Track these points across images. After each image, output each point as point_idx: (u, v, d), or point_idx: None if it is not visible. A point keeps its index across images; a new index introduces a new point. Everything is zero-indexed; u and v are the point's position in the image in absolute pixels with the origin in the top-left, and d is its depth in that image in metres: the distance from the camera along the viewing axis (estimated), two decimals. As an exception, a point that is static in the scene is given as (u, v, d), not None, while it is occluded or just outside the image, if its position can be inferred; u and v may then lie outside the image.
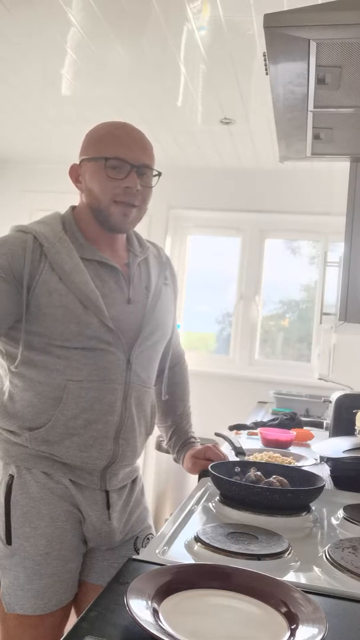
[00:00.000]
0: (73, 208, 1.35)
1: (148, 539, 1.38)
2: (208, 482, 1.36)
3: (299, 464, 1.65)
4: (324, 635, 0.65)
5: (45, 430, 1.22)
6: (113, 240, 1.33)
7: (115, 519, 1.30)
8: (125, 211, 1.27)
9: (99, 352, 1.23)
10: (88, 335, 1.21)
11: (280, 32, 1.08)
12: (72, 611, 1.31)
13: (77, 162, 1.31)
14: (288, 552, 0.97)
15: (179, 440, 1.56)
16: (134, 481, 1.40)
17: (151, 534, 1.41)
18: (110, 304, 1.26)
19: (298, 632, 0.67)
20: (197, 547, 0.97)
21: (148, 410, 1.38)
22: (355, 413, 1.81)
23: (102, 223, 1.29)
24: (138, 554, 1.23)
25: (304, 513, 1.19)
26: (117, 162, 1.24)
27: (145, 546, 1.30)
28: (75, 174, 1.32)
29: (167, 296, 1.41)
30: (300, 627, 0.68)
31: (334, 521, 1.20)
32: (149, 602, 0.71)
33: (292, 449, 1.96)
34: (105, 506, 1.29)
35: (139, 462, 1.45)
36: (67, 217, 1.32)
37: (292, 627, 0.69)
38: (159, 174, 1.32)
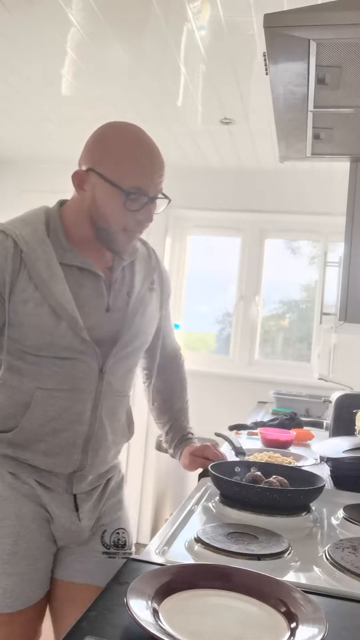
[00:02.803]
0: (61, 204, 1.28)
1: (118, 532, 1.33)
2: (208, 482, 1.36)
3: (299, 464, 1.65)
4: (324, 635, 0.65)
5: (12, 435, 1.20)
6: (100, 248, 1.27)
7: (86, 519, 1.28)
8: (132, 239, 1.25)
9: (71, 361, 1.20)
10: (61, 346, 1.18)
11: (280, 32, 1.08)
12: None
13: (83, 168, 1.21)
14: (288, 552, 0.97)
15: (177, 435, 1.52)
16: (109, 479, 1.37)
17: (121, 528, 1.34)
18: (88, 313, 1.21)
19: (298, 632, 0.67)
20: (197, 547, 0.97)
21: (123, 418, 1.34)
22: (355, 413, 1.81)
23: (101, 240, 1.24)
24: (106, 548, 1.29)
25: (304, 513, 1.19)
26: (136, 195, 1.18)
27: (114, 541, 1.31)
28: (80, 181, 1.22)
29: (151, 302, 1.35)
30: (300, 627, 0.68)
31: (334, 521, 1.20)
32: (149, 602, 0.71)
33: (292, 449, 1.96)
34: (74, 508, 1.26)
35: (123, 459, 1.42)
36: (53, 215, 1.25)
37: (292, 627, 0.69)
38: (169, 201, 1.25)
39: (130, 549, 1.34)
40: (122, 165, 1.18)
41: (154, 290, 1.37)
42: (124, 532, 1.34)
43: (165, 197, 1.25)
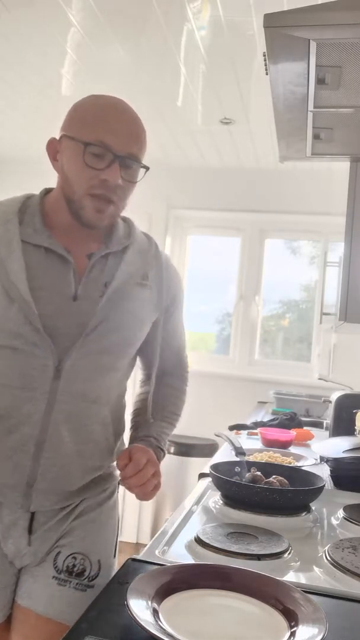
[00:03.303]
0: (47, 191, 1.23)
1: (74, 557, 1.13)
2: (208, 482, 1.36)
3: (299, 464, 1.65)
4: (324, 635, 0.65)
5: None
6: (86, 231, 1.16)
7: (38, 543, 1.12)
8: (100, 206, 1.11)
9: (22, 354, 1.07)
10: (11, 332, 1.06)
11: (280, 32, 1.08)
12: None
13: (58, 137, 1.16)
14: (288, 552, 0.97)
15: (142, 431, 1.27)
16: (87, 499, 1.18)
17: (80, 553, 1.14)
18: (47, 299, 1.09)
19: (298, 632, 0.67)
20: (197, 547, 0.97)
21: (97, 429, 1.15)
22: (355, 413, 1.81)
23: (73, 215, 1.13)
24: (57, 572, 1.10)
25: (304, 513, 1.19)
26: (99, 149, 1.08)
27: (68, 567, 1.12)
28: (54, 150, 1.15)
29: (139, 299, 1.19)
30: (300, 627, 0.68)
31: (334, 521, 1.20)
32: (149, 602, 0.71)
33: (292, 449, 1.96)
34: (27, 529, 1.12)
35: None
36: (34, 199, 1.19)
37: (292, 627, 0.68)
38: (147, 169, 1.15)
39: (91, 581, 1.12)
40: (86, 120, 1.10)
41: (146, 287, 1.20)
42: (83, 560, 1.13)
43: (141, 164, 1.13)
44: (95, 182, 1.09)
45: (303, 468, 1.46)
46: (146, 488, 1.12)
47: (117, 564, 1.19)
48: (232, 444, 1.62)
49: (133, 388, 1.36)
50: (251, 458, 1.63)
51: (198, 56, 2.40)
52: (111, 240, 1.19)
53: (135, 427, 1.30)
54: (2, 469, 1.10)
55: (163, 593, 0.74)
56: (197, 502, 1.26)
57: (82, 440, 1.14)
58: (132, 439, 1.27)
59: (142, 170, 1.15)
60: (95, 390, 1.14)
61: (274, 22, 1.08)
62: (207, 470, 1.35)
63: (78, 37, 2.34)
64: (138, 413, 1.31)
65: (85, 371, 1.11)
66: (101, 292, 1.13)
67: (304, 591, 0.76)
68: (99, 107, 1.12)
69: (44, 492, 1.11)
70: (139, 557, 0.91)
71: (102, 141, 1.08)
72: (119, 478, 1.14)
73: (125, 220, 1.27)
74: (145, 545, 0.98)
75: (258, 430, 2.12)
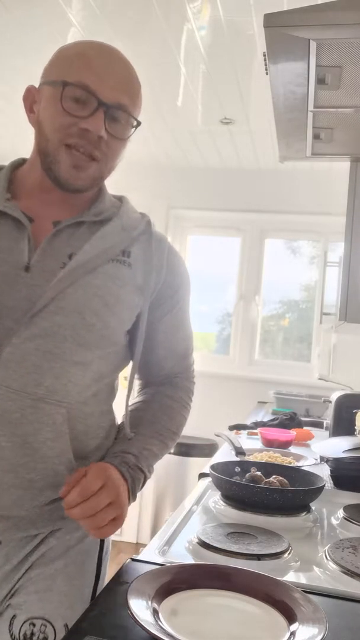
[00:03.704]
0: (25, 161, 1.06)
1: (33, 624, 0.89)
2: (208, 482, 1.36)
3: (299, 464, 1.65)
4: (324, 635, 0.65)
5: None
6: (62, 196, 0.98)
7: None
8: (78, 162, 0.93)
9: None
10: None
11: (280, 32, 1.08)
12: None
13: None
14: (288, 552, 0.97)
15: (119, 446, 1.02)
16: (46, 539, 0.96)
17: (42, 618, 0.90)
18: None
19: (298, 632, 0.67)
20: (197, 547, 0.97)
21: (47, 440, 0.91)
22: (355, 413, 1.81)
23: (46, 171, 0.96)
24: None
25: (304, 513, 1.19)
26: (82, 92, 0.91)
27: (25, 636, 0.89)
28: (31, 100, 0.99)
29: (116, 277, 0.97)
30: (300, 627, 0.68)
31: (334, 521, 1.20)
32: (149, 602, 0.71)
33: (292, 449, 1.96)
34: None
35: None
36: (6, 166, 1.04)
37: (292, 627, 0.68)
38: (138, 124, 0.99)
39: None
40: (68, 60, 0.95)
41: (124, 264, 0.99)
42: (44, 626, 0.90)
43: (130, 116, 0.96)
44: (73, 130, 0.92)
45: (303, 468, 1.46)
46: (96, 522, 0.84)
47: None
48: (232, 444, 1.62)
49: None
50: (251, 458, 1.63)
51: (198, 56, 2.40)
52: (90, 210, 1.00)
53: (115, 443, 1.04)
54: None
55: (163, 593, 0.74)
56: (197, 502, 1.26)
57: (26, 452, 0.90)
58: (107, 455, 1.00)
59: (132, 127, 0.98)
60: (42, 386, 0.90)
61: (274, 22, 1.08)
62: (207, 470, 1.35)
63: (78, 37, 2.34)
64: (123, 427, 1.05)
65: (30, 359, 0.89)
66: (62, 264, 0.93)
67: (304, 591, 0.76)
68: (84, 47, 0.96)
69: None
70: (139, 557, 0.91)
71: (84, 83, 0.91)
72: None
73: (121, 198, 1.09)
74: (145, 545, 0.98)
75: (258, 430, 2.12)
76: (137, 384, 1.16)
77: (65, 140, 0.92)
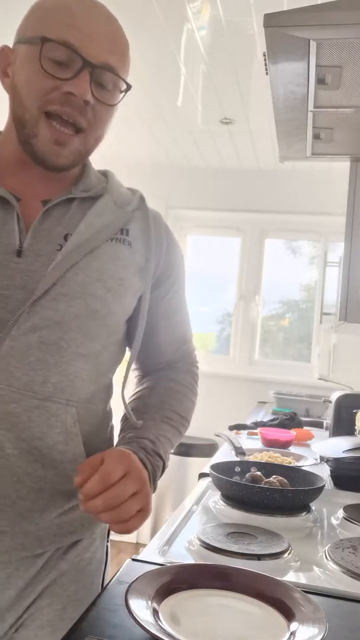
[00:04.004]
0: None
1: None
2: (208, 482, 1.36)
3: (299, 464, 1.65)
4: (324, 635, 0.65)
5: None
6: (45, 172, 0.87)
7: None
8: (60, 137, 0.82)
9: None
10: None
11: (280, 32, 1.08)
12: None
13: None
14: (288, 552, 0.97)
15: (130, 432, 0.91)
16: (52, 559, 0.87)
17: None
18: None
19: (298, 632, 0.67)
20: (197, 547, 0.97)
21: (57, 443, 0.83)
22: (355, 413, 1.81)
23: (24, 146, 0.85)
24: None
25: (304, 513, 1.19)
26: (64, 50, 0.79)
27: None
28: (4, 62, 0.86)
29: (116, 257, 0.89)
30: (300, 627, 0.68)
31: (334, 521, 1.20)
32: (149, 602, 0.70)
33: (292, 449, 1.96)
34: None
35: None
36: None
37: (292, 627, 0.68)
38: (128, 88, 0.87)
39: None
40: (47, 14, 0.82)
41: (124, 244, 0.90)
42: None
43: (119, 78, 0.85)
44: (55, 95, 0.80)
45: (303, 468, 1.46)
46: (121, 514, 0.74)
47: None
48: (232, 444, 1.62)
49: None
50: (251, 458, 1.63)
51: (198, 56, 2.40)
52: (78, 187, 0.91)
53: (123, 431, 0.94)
54: None
55: (163, 593, 0.73)
56: (197, 502, 1.25)
57: (35, 458, 0.82)
58: (118, 443, 0.91)
59: (121, 93, 0.86)
60: (48, 382, 0.81)
61: (274, 22, 1.08)
62: (207, 470, 1.35)
63: (78, 37, 2.35)
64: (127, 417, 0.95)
65: (34, 353, 0.80)
66: (58, 247, 0.84)
67: (304, 591, 0.76)
68: (67, 1, 0.83)
69: None
70: (139, 557, 0.91)
71: (67, 40, 0.79)
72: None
73: (105, 172, 0.99)
74: (145, 545, 0.98)
75: (258, 430, 2.11)
76: (133, 375, 1.06)
77: (46, 107, 0.80)
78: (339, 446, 1.62)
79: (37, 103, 0.80)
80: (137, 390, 1.02)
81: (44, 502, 0.84)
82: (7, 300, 0.80)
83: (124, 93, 0.87)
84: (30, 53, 0.81)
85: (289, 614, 0.71)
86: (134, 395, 1.00)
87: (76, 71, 0.80)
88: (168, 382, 1.01)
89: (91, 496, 0.72)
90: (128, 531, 0.76)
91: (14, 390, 0.79)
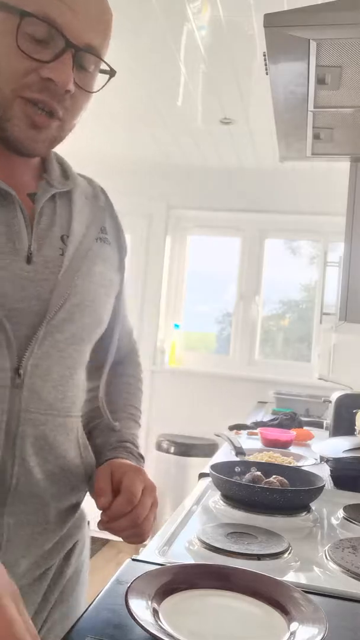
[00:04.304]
0: None
1: None
2: (208, 482, 1.36)
3: (299, 464, 1.65)
4: (324, 635, 0.65)
5: None
6: (12, 160, 0.79)
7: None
8: (37, 120, 0.73)
9: None
10: None
11: (280, 32, 1.08)
12: None
13: None
14: (288, 552, 0.97)
15: (111, 436, 0.93)
16: (68, 558, 0.87)
17: None
18: None
19: (298, 632, 0.67)
20: (197, 547, 0.97)
21: (70, 456, 0.82)
22: (355, 413, 1.81)
23: None
24: None
25: (304, 513, 1.19)
26: (45, 28, 0.70)
27: None
28: None
29: (104, 259, 0.85)
30: (300, 627, 0.68)
31: (334, 521, 1.20)
32: (149, 602, 0.70)
33: (292, 449, 1.96)
34: None
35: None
36: None
37: (292, 627, 0.68)
38: (112, 73, 0.80)
39: None
40: None
41: (106, 242, 0.87)
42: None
43: (102, 60, 0.79)
44: (31, 79, 0.71)
45: (303, 468, 1.46)
46: (142, 530, 0.78)
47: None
48: (232, 444, 1.62)
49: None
50: (251, 458, 1.63)
51: (198, 56, 2.40)
52: (51, 176, 0.83)
53: (94, 434, 0.94)
54: None
55: (163, 593, 0.73)
56: (197, 502, 1.25)
57: (59, 478, 0.80)
58: (99, 448, 0.90)
59: (102, 77, 0.78)
60: (67, 397, 0.80)
61: (274, 22, 1.08)
62: (207, 470, 1.35)
63: (78, 37, 2.35)
64: (93, 417, 0.95)
65: (55, 371, 0.77)
66: (60, 251, 0.78)
67: (304, 591, 0.76)
68: None
69: (14, 564, 0.75)
70: (139, 557, 0.91)
71: (49, 15, 0.70)
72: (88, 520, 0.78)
73: (60, 159, 0.91)
74: (145, 545, 0.98)
75: (258, 430, 2.11)
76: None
77: (21, 92, 0.71)
78: (339, 446, 1.62)
79: (11, 85, 0.71)
80: (95, 385, 0.96)
81: (62, 519, 0.84)
82: (24, 314, 0.73)
83: (107, 79, 0.79)
84: (6, 25, 0.70)
85: (289, 614, 0.71)
86: (89, 393, 0.96)
87: (57, 53, 0.71)
88: (127, 378, 1.02)
89: (118, 517, 0.75)
90: (144, 540, 0.79)
91: (42, 414, 0.76)
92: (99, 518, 0.79)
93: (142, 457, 0.92)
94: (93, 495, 0.81)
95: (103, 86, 0.79)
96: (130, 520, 0.76)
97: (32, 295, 0.74)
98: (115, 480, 0.79)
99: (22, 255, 0.74)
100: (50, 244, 0.78)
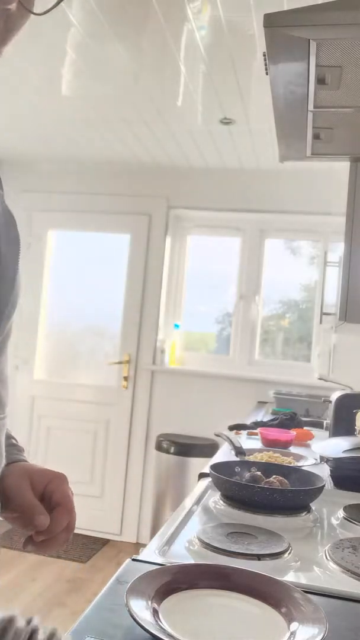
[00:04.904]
0: None
1: None
2: (208, 482, 1.36)
3: (299, 464, 1.65)
4: (324, 635, 0.65)
5: None
6: None
7: None
8: None
9: None
10: None
11: (280, 32, 1.08)
12: None
13: None
14: (288, 552, 0.97)
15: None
16: None
17: None
18: None
19: (298, 632, 0.67)
20: (197, 547, 0.97)
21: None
22: (355, 413, 1.81)
23: None
24: None
25: (304, 513, 1.19)
26: None
27: None
28: None
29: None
30: (300, 627, 0.68)
31: (334, 521, 1.20)
32: (149, 602, 0.70)
33: (292, 449, 1.96)
34: None
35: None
36: None
37: (292, 627, 0.68)
38: None
39: None
40: None
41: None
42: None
43: None
44: None
45: (303, 468, 1.46)
46: (67, 536, 0.75)
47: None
48: (232, 444, 1.62)
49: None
50: (251, 458, 1.63)
51: (198, 56, 2.40)
52: None
53: None
54: None
55: (163, 593, 0.74)
56: (197, 502, 1.25)
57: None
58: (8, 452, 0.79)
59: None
60: (7, 394, 0.72)
61: (274, 22, 1.08)
62: (207, 470, 1.35)
63: (78, 37, 2.34)
64: None
65: (4, 371, 0.71)
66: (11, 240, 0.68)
67: (304, 591, 0.76)
68: None
69: None
70: (139, 557, 0.91)
71: None
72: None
73: None
74: (145, 545, 0.98)
75: (258, 430, 2.11)
76: None
77: None
78: (339, 446, 1.62)
79: None
80: None
81: None
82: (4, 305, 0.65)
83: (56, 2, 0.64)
84: None
85: (289, 614, 0.71)
86: None
87: None
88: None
89: (57, 532, 0.71)
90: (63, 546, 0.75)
91: (3, 417, 0.69)
92: (24, 538, 0.72)
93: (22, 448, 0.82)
94: (7, 515, 0.71)
95: (52, 8, 0.63)
96: (67, 531, 0.73)
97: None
98: (37, 491, 0.72)
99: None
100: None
